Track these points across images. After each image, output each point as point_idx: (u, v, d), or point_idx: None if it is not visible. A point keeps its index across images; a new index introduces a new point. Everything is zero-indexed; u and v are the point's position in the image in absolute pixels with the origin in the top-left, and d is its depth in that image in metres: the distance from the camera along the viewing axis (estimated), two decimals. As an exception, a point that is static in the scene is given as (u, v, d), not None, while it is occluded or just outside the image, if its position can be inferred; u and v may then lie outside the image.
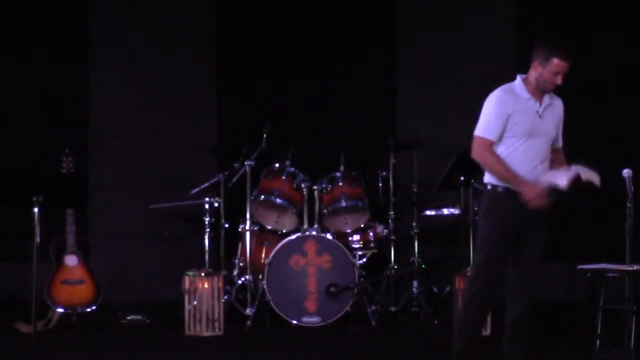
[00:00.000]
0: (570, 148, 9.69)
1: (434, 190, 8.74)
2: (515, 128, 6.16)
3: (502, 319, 8.33)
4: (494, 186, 6.25)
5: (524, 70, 9.81)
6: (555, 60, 6.11)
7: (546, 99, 6.23)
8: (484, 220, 6.31)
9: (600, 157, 9.50)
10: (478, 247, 6.36)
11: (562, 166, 6.28)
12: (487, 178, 6.29)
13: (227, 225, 8.83)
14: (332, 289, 8.41)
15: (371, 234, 8.79)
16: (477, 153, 6.25)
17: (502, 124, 6.16)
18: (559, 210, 6.13)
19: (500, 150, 6.21)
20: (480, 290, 6.33)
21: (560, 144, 6.38)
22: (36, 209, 7.00)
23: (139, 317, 8.73)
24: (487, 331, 8.14)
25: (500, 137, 6.18)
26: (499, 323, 8.21)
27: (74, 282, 8.52)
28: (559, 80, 6.13)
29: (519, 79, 6.26)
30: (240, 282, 8.72)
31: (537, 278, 6.42)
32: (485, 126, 6.21)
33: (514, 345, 6.47)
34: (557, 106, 6.30)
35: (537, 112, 6.19)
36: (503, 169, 6.16)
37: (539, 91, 6.20)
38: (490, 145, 6.19)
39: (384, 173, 8.97)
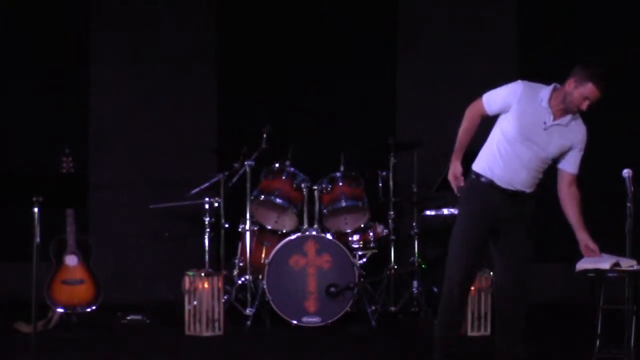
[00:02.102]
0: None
1: (434, 190, 8.73)
2: (513, 126, 6.19)
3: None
4: (477, 175, 6.32)
5: (524, 70, 9.85)
6: (590, 85, 6.13)
7: (565, 119, 6.21)
8: (461, 207, 6.43)
9: (600, 157, 9.58)
10: (454, 232, 6.41)
11: (573, 202, 6.39)
12: (475, 165, 6.35)
13: (227, 225, 8.83)
14: (332, 289, 8.42)
15: (371, 234, 8.79)
16: (469, 108, 6.40)
17: (502, 104, 6.24)
18: (546, 209, 6.18)
19: (495, 142, 6.29)
20: (456, 283, 6.39)
21: (572, 169, 6.33)
22: (36, 209, 6.99)
23: (139, 317, 8.73)
24: (487, 331, 8.15)
25: (502, 130, 6.26)
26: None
27: (74, 282, 8.52)
28: (585, 105, 6.16)
29: (552, 86, 6.29)
30: (240, 282, 8.72)
31: (527, 277, 6.44)
32: (491, 96, 6.33)
33: (510, 343, 6.45)
34: (575, 131, 6.26)
35: (545, 122, 6.19)
36: (461, 134, 6.39)
37: (562, 107, 6.19)
38: (481, 110, 6.34)
39: (384, 173, 8.98)
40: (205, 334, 8.13)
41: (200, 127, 9.91)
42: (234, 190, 8.87)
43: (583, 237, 6.40)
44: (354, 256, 8.61)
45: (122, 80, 9.87)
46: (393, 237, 8.93)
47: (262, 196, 8.70)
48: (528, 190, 6.30)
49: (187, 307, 8.19)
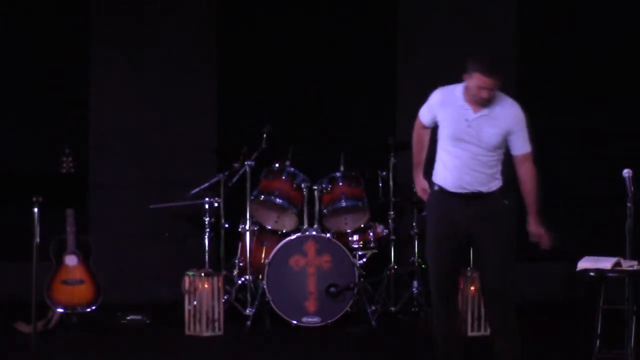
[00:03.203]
0: (570, 148, 9.76)
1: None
2: (444, 131, 6.34)
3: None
4: (433, 185, 6.43)
5: (524, 70, 9.84)
6: (477, 75, 6.19)
7: (486, 110, 6.24)
8: (427, 219, 6.55)
9: (600, 157, 9.59)
10: (426, 245, 6.50)
11: (526, 178, 6.31)
12: (432, 177, 6.46)
13: (227, 225, 8.83)
14: (332, 289, 8.42)
15: (371, 234, 8.79)
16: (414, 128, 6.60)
17: (430, 115, 6.43)
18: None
19: (439, 150, 6.38)
20: (434, 292, 6.44)
21: (519, 151, 6.33)
22: (36, 209, 6.99)
23: (139, 317, 8.73)
24: (487, 331, 8.14)
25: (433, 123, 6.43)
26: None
27: (74, 282, 8.52)
28: (483, 94, 6.20)
29: (464, 83, 6.32)
30: (240, 282, 8.72)
31: (504, 275, 6.32)
32: (422, 110, 6.53)
33: (503, 343, 6.42)
34: (504, 116, 6.27)
35: (466, 120, 6.24)
36: (414, 153, 6.58)
37: (473, 100, 6.26)
38: (421, 125, 6.53)
39: (384, 173, 8.98)
40: (205, 334, 8.13)
41: (200, 127, 9.90)
42: (234, 190, 8.87)
43: (531, 219, 6.32)
44: (354, 256, 8.61)
45: (122, 80, 9.86)
46: (393, 237, 8.93)
47: (262, 196, 8.70)
48: (485, 189, 6.26)
49: (187, 307, 8.19)
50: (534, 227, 6.32)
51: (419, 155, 6.57)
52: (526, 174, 6.33)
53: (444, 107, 6.35)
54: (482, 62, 6.20)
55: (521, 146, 6.33)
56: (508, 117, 6.28)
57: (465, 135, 6.24)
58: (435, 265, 6.38)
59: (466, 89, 6.27)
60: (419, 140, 6.56)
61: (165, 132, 9.84)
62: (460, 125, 6.26)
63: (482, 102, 6.24)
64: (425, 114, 6.48)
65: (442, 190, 6.34)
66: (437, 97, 6.41)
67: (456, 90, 6.33)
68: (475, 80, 6.18)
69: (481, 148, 6.24)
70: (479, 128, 6.23)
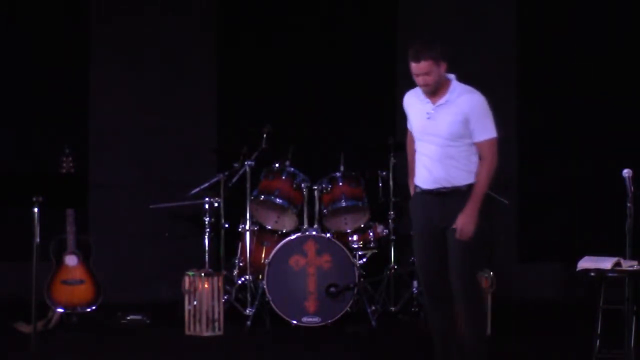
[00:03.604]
0: (570, 148, 9.76)
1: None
2: (413, 129, 6.40)
3: (502, 319, 8.36)
4: (415, 187, 6.43)
5: (524, 70, 9.82)
6: (409, 64, 6.22)
7: (444, 98, 6.25)
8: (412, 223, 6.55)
9: (600, 157, 9.59)
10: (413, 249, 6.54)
11: (479, 168, 6.26)
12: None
13: (227, 225, 8.83)
14: (332, 289, 8.41)
15: (371, 234, 8.79)
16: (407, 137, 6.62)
17: (409, 120, 6.46)
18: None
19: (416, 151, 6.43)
20: (425, 294, 6.43)
21: (476, 138, 6.25)
22: (36, 209, 6.99)
23: (139, 317, 8.73)
24: (487, 331, 8.14)
25: None
26: (500, 323, 8.23)
27: (74, 282, 8.52)
28: (419, 80, 6.22)
29: None
30: (240, 282, 8.72)
31: (470, 280, 6.25)
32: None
33: (463, 346, 6.40)
34: (459, 104, 6.24)
35: (427, 112, 6.27)
36: (408, 161, 6.54)
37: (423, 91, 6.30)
38: (410, 133, 6.52)
39: (384, 173, 8.97)
40: (205, 334, 8.13)
41: (200, 127, 9.90)
42: (234, 190, 8.87)
43: (465, 208, 6.19)
44: (354, 256, 8.61)
45: (122, 80, 9.86)
46: (393, 237, 8.92)
47: (262, 196, 8.70)
48: (456, 183, 6.23)
49: (187, 307, 8.19)
50: (462, 217, 6.15)
51: (412, 163, 6.54)
52: (480, 163, 6.26)
53: (411, 107, 6.39)
54: (410, 49, 6.22)
55: (478, 133, 6.24)
56: (463, 103, 6.23)
57: (428, 128, 6.26)
58: (422, 267, 6.37)
59: None
60: (410, 148, 6.56)
61: (165, 132, 9.84)
62: (422, 119, 6.29)
63: (427, 91, 6.24)
64: (408, 122, 6.51)
65: (420, 190, 6.35)
66: (405, 100, 6.45)
67: (420, 89, 6.36)
68: (410, 69, 6.21)
69: (443, 138, 6.21)
70: (439, 118, 6.23)
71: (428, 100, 6.29)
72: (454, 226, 6.16)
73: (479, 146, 6.25)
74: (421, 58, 6.17)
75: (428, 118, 6.26)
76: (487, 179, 6.25)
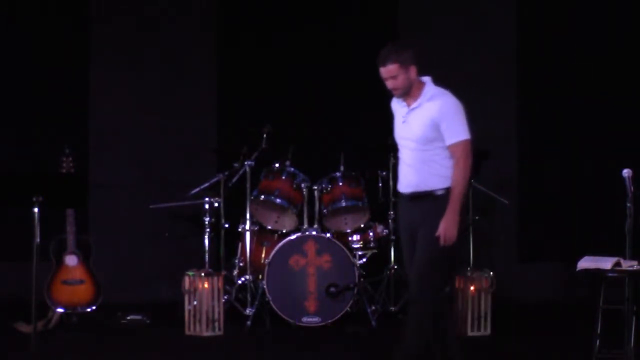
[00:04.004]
0: (570, 148, 9.77)
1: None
2: (394, 132, 6.40)
3: (502, 319, 8.37)
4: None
5: (524, 71, 9.81)
6: (378, 66, 6.24)
7: (417, 101, 6.25)
8: None
9: (600, 157, 9.59)
10: None
11: (453, 172, 6.20)
12: None
13: (227, 225, 8.83)
14: (332, 289, 8.41)
15: (371, 234, 8.79)
16: None
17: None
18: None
19: None
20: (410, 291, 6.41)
21: (447, 142, 6.22)
22: (36, 209, 6.99)
23: (139, 317, 8.73)
24: (487, 331, 8.15)
25: None
26: (500, 323, 8.24)
27: (74, 282, 8.52)
28: (388, 84, 6.24)
29: None
30: (240, 282, 8.72)
31: (427, 286, 6.20)
32: None
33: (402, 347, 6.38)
34: (429, 107, 6.24)
35: (403, 116, 6.30)
36: None
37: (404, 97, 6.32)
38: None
39: (384, 173, 8.97)
40: (205, 334, 8.13)
41: (200, 127, 9.90)
42: (234, 190, 8.87)
43: (446, 214, 6.14)
44: (354, 256, 8.60)
45: (122, 80, 9.86)
46: (393, 237, 8.92)
47: (262, 196, 8.70)
48: (430, 188, 6.24)
49: (187, 307, 8.19)
50: (443, 223, 6.12)
51: None
52: (454, 167, 6.22)
53: (395, 111, 6.43)
54: (378, 55, 6.26)
55: (449, 136, 6.21)
56: (434, 107, 6.23)
57: (403, 131, 6.28)
58: (406, 269, 6.38)
59: None
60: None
61: (165, 132, 9.84)
62: (399, 123, 6.33)
63: (396, 95, 6.27)
64: None
65: (400, 194, 6.38)
66: (392, 105, 6.47)
67: None
68: (380, 73, 6.23)
69: (416, 142, 6.22)
70: (411, 122, 6.25)
71: (404, 104, 6.31)
72: (437, 234, 6.14)
73: (451, 149, 6.22)
74: (387, 62, 6.22)
75: (403, 122, 6.29)
76: (463, 183, 6.21)
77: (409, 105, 6.28)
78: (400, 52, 6.23)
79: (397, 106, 6.39)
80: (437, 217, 6.13)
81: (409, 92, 6.25)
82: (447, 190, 6.19)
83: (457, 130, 6.22)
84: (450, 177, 6.20)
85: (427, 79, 6.32)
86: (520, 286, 9.60)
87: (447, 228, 6.11)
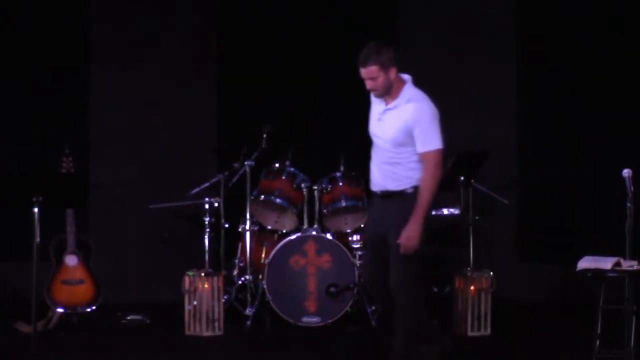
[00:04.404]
0: (570, 148, 9.76)
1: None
2: (369, 129, 6.42)
3: (502, 319, 8.36)
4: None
5: (523, 70, 9.79)
6: (359, 67, 6.25)
7: (394, 103, 6.26)
8: None
9: (600, 157, 9.58)
10: None
11: (421, 180, 6.24)
12: None
13: (227, 225, 8.82)
14: (332, 289, 8.41)
15: (371, 234, 8.78)
16: None
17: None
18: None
19: None
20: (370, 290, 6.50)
21: (419, 149, 6.24)
22: (36, 209, 6.99)
23: (139, 317, 8.73)
24: (487, 331, 8.15)
25: None
26: (500, 323, 8.24)
27: (74, 282, 8.52)
28: (368, 85, 6.26)
29: None
30: (240, 282, 8.72)
31: (399, 278, 6.29)
32: None
33: (394, 342, 6.44)
34: (404, 111, 6.25)
35: (379, 114, 6.32)
36: None
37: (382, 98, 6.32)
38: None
39: (384, 173, 8.96)
40: (205, 334, 8.13)
41: (200, 127, 9.90)
42: (234, 190, 8.86)
43: (410, 220, 6.19)
44: (354, 256, 8.60)
45: (122, 80, 9.86)
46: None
47: (262, 196, 8.70)
48: (396, 187, 6.23)
49: (187, 307, 8.19)
50: (405, 232, 6.16)
51: None
52: (422, 175, 6.24)
53: (372, 107, 6.45)
54: (359, 54, 6.26)
55: (420, 144, 6.23)
56: (408, 112, 6.24)
57: (377, 130, 6.31)
58: (365, 266, 6.43)
59: None
60: None
61: (165, 132, 9.84)
62: (374, 120, 6.35)
63: (375, 95, 6.29)
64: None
65: (372, 191, 6.42)
66: (372, 99, 6.49)
67: None
68: (360, 73, 6.25)
69: (387, 143, 6.23)
70: (386, 122, 6.28)
71: (382, 102, 6.34)
72: (398, 241, 6.15)
73: (422, 157, 6.24)
74: (367, 63, 6.22)
75: (378, 120, 6.32)
76: (430, 192, 6.23)
77: (387, 104, 6.27)
78: (381, 53, 6.23)
79: (376, 103, 6.41)
80: (401, 216, 6.19)
81: (386, 94, 6.25)
82: (415, 189, 6.23)
83: (430, 139, 6.22)
84: (416, 179, 6.25)
85: (407, 78, 6.34)
86: (520, 286, 9.59)
87: (408, 238, 6.15)
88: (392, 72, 6.20)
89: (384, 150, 6.23)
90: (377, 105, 6.36)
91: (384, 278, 6.37)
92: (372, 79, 6.18)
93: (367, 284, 6.46)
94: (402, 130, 6.17)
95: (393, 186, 6.24)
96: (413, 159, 6.21)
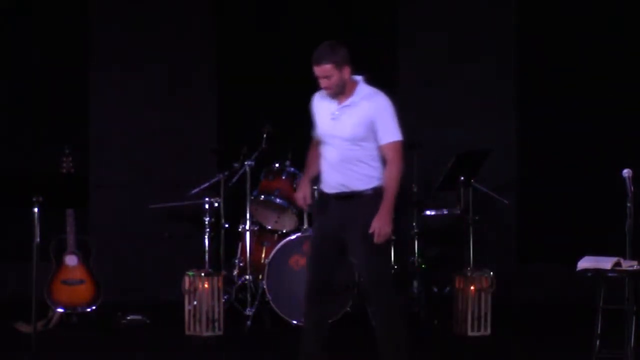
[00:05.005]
0: (570, 148, 9.76)
1: (434, 190, 8.74)
2: (319, 131, 6.37)
3: (502, 319, 8.36)
4: (317, 189, 6.45)
5: (524, 70, 9.78)
6: (312, 65, 6.25)
7: (350, 100, 6.25)
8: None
9: (600, 157, 9.59)
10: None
11: (386, 171, 6.23)
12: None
13: (227, 225, 8.83)
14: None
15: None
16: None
17: (315, 122, 6.44)
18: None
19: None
20: (307, 291, 6.44)
21: (380, 141, 6.23)
22: (36, 209, 6.99)
23: (139, 317, 8.73)
24: (487, 331, 8.14)
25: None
26: (500, 323, 8.23)
27: (74, 282, 8.52)
28: (322, 83, 6.24)
29: None
30: (240, 282, 8.72)
31: (377, 284, 6.27)
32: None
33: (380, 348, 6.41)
34: (362, 106, 6.24)
35: (332, 113, 6.27)
36: (309, 162, 6.49)
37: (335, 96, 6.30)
38: (314, 143, 6.48)
39: (384, 173, 8.96)
40: (205, 334, 8.13)
41: (200, 127, 9.90)
42: (234, 190, 8.86)
43: (379, 212, 6.15)
44: (354, 256, 8.59)
45: (122, 81, 9.86)
46: (393, 237, 8.90)
47: (262, 196, 8.70)
48: (355, 188, 6.24)
49: (187, 307, 8.19)
50: (376, 220, 6.13)
51: (307, 167, 6.52)
52: (388, 167, 6.23)
53: (317, 109, 6.40)
54: (313, 53, 6.26)
55: (383, 136, 6.23)
56: (367, 106, 6.24)
57: (332, 129, 6.25)
58: (312, 267, 6.38)
59: None
60: (309, 156, 6.53)
61: (165, 132, 9.84)
62: (326, 120, 6.29)
63: (329, 94, 6.26)
64: (315, 127, 6.46)
65: (320, 193, 6.36)
66: (313, 101, 6.45)
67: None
68: (314, 71, 6.24)
69: (345, 140, 6.21)
70: (342, 119, 6.24)
71: (333, 101, 6.31)
72: (370, 230, 6.13)
73: (384, 149, 6.23)
74: (322, 61, 6.22)
75: (332, 119, 6.27)
76: (396, 182, 6.23)
77: (340, 102, 6.27)
78: (336, 52, 6.26)
79: (323, 103, 6.36)
80: (366, 217, 6.15)
81: (340, 93, 6.26)
82: (375, 190, 6.21)
83: (391, 130, 6.25)
84: (377, 178, 6.24)
85: (359, 78, 6.36)
86: (520, 286, 9.59)
87: (381, 226, 6.13)
88: (346, 71, 6.24)
89: (342, 149, 6.21)
90: (325, 105, 6.32)
91: (331, 282, 6.39)
92: (326, 77, 6.20)
93: (311, 285, 6.35)
94: (364, 125, 6.20)
95: (357, 185, 6.22)
96: (374, 155, 6.23)
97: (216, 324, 8.17)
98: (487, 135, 9.58)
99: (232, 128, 9.70)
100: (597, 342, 6.63)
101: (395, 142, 6.23)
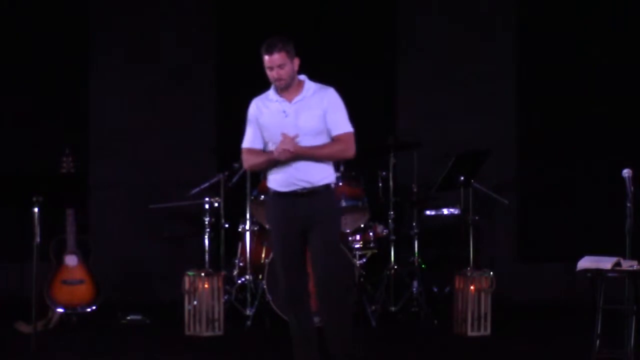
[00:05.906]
0: (570, 148, 9.77)
1: (434, 190, 8.74)
2: (267, 134, 6.32)
3: (502, 319, 8.36)
4: (268, 190, 6.41)
5: (524, 71, 9.78)
6: (263, 58, 6.29)
7: (300, 96, 6.27)
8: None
9: (600, 157, 9.59)
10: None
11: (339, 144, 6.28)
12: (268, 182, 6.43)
13: (227, 225, 8.83)
14: (332, 289, 8.39)
15: (371, 234, 8.79)
16: (243, 162, 6.53)
17: (253, 130, 6.40)
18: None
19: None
20: (284, 294, 6.43)
21: (334, 132, 6.27)
22: (36, 209, 6.99)
23: (139, 317, 8.73)
24: (487, 331, 8.14)
25: (264, 143, 6.36)
26: (500, 323, 8.23)
27: (74, 282, 8.52)
28: (273, 74, 6.27)
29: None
30: (240, 282, 8.72)
31: (334, 282, 6.28)
32: (246, 134, 6.47)
33: (330, 348, 6.45)
34: (315, 99, 6.28)
35: (284, 111, 6.27)
36: (257, 158, 6.40)
37: (285, 90, 6.29)
38: (246, 151, 6.44)
39: (384, 173, 8.97)
40: (205, 334, 8.13)
41: (200, 127, 9.90)
42: (234, 190, 8.87)
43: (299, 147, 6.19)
44: (354, 256, 8.60)
45: (122, 80, 9.86)
46: (393, 237, 8.92)
47: (262, 196, 8.70)
48: (315, 183, 6.23)
49: (187, 307, 8.19)
50: (286, 142, 6.14)
51: (261, 153, 6.41)
52: (337, 144, 6.25)
53: (261, 113, 6.36)
54: (264, 44, 6.29)
55: (336, 127, 6.27)
56: (320, 98, 6.28)
57: (285, 126, 6.23)
58: (284, 269, 6.34)
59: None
60: (249, 155, 6.44)
61: (165, 132, 9.84)
62: (278, 119, 6.27)
63: (280, 86, 6.26)
64: (247, 136, 6.43)
65: (275, 193, 6.34)
66: (252, 109, 6.43)
67: (269, 93, 6.39)
68: (265, 62, 6.26)
69: (306, 134, 6.21)
70: (297, 115, 6.24)
71: (282, 99, 6.30)
72: (276, 148, 6.15)
73: (338, 138, 6.28)
74: (274, 50, 6.26)
75: (286, 117, 6.27)
76: (332, 153, 6.27)
77: (289, 99, 6.26)
78: (287, 43, 6.31)
79: (269, 104, 6.34)
80: (324, 213, 6.21)
81: (290, 85, 6.25)
82: (329, 186, 6.26)
83: (344, 122, 6.33)
84: (332, 173, 6.30)
85: (304, 77, 6.38)
86: (520, 286, 9.60)
87: (284, 149, 6.11)
88: (296, 63, 6.30)
89: (301, 145, 6.22)
90: (273, 106, 6.31)
91: (303, 278, 6.38)
92: (279, 66, 6.22)
93: (286, 286, 6.34)
94: (318, 117, 6.24)
95: (318, 180, 6.22)
96: None
97: (216, 324, 8.17)
98: (487, 135, 9.59)
99: (232, 128, 9.69)
100: (597, 342, 6.63)
101: (348, 133, 6.30)
